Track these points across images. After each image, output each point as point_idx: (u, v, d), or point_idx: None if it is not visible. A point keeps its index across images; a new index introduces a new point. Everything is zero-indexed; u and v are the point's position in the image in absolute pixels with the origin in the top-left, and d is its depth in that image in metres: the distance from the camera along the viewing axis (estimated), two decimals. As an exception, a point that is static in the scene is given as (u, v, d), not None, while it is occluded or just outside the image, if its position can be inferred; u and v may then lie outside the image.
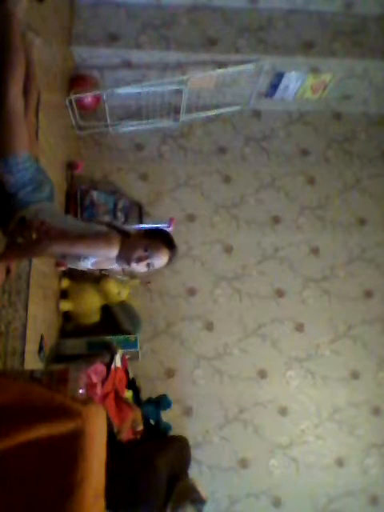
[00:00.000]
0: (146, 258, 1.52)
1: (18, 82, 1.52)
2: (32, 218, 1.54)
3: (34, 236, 1.54)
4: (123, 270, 1.63)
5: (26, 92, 1.60)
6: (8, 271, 1.80)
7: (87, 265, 1.62)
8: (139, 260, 1.52)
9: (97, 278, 3.04)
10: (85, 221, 1.65)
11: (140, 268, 1.55)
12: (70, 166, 3.18)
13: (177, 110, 3.51)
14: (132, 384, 2.85)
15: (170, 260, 1.58)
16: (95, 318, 3.09)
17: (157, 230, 1.62)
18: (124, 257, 1.54)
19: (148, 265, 1.54)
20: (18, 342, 2.01)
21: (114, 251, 1.53)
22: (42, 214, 1.55)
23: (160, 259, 1.55)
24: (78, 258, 1.58)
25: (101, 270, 1.68)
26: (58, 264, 2.79)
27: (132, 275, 3.24)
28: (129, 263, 1.54)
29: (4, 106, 1.49)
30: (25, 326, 2.09)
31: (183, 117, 3.55)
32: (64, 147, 3.01)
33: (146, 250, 1.52)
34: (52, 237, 1.51)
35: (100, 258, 1.58)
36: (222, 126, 3.73)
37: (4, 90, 1.48)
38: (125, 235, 1.59)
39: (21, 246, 1.77)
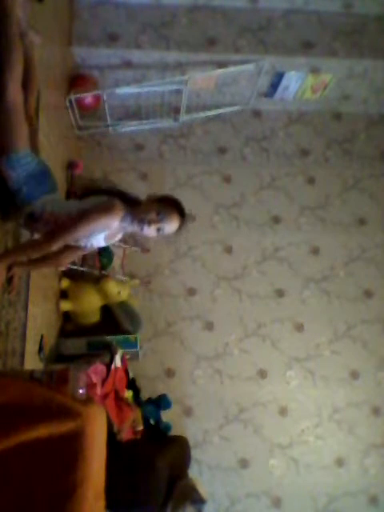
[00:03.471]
0: (158, 222, 1.54)
1: (16, 79, 1.51)
2: (41, 212, 1.56)
3: (46, 228, 1.57)
4: (134, 232, 1.63)
5: (25, 91, 1.60)
6: (11, 280, 1.79)
7: (100, 241, 1.64)
8: (151, 223, 1.54)
9: (97, 278, 3.04)
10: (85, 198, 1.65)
11: (151, 232, 1.56)
12: (70, 165, 3.18)
13: (177, 110, 3.51)
14: (132, 384, 2.84)
15: (180, 228, 1.60)
16: (95, 317, 3.09)
17: (169, 197, 1.62)
18: (136, 219, 1.56)
19: (158, 229, 1.56)
20: (18, 342, 2.01)
21: (117, 216, 1.54)
22: (49, 206, 1.57)
23: (171, 225, 1.57)
24: (89, 235, 1.59)
25: (102, 272, 1.66)
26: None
27: (132, 276, 3.26)
28: (141, 225, 1.55)
29: (3, 104, 1.48)
30: (25, 326, 2.09)
31: (183, 117, 3.55)
32: (64, 147, 3.01)
33: (158, 214, 1.54)
34: (59, 226, 1.52)
35: (107, 228, 1.58)
36: (222, 126, 3.73)
37: (3, 88, 1.48)
38: (133, 202, 1.61)
39: (28, 243, 1.78)
